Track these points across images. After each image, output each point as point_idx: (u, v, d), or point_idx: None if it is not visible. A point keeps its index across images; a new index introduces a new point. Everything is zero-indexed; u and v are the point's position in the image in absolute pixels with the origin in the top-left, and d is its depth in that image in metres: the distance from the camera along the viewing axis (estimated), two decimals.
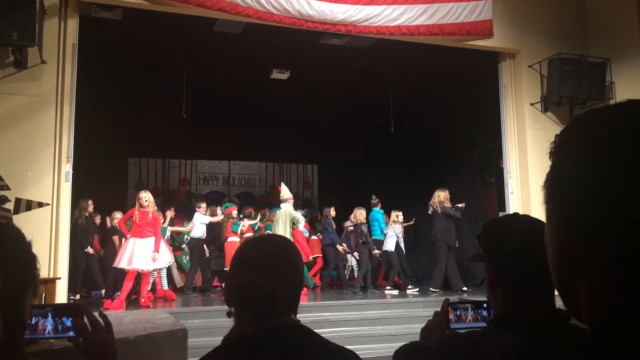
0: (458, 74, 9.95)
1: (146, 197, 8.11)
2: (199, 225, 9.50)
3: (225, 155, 14.47)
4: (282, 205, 8.99)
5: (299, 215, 9.03)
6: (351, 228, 10.29)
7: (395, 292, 9.48)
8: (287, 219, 8.74)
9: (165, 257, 8.28)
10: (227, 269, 9.10)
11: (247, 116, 12.45)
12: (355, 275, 10.31)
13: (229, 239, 9.63)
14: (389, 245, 9.87)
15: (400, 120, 11.70)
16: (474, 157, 11.18)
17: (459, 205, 9.45)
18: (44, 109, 6.67)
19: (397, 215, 10.18)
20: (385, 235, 10.01)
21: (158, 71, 10.45)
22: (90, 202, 9.05)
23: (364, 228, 9.75)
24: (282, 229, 8.63)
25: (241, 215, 10.68)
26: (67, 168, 6.79)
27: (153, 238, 7.94)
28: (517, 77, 8.96)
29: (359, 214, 9.78)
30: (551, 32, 8.86)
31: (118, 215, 9.41)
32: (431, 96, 11.28)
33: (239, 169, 14.94)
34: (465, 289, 9.11)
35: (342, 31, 7.98)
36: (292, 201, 9.12)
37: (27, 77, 6.57)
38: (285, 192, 9.16)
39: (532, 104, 8.79)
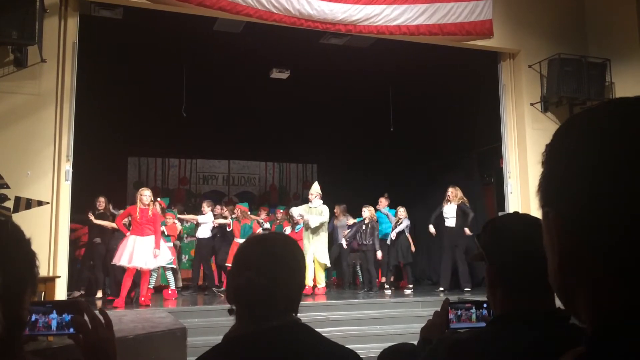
0: (458, 74, 9.94)
1: (148, 194, 8.11)
2: (204, 225, 9.49)
3: (224, 155, 14.47)
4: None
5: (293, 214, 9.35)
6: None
7: (389, 291, 9.43)
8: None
9: (166, 255, 8.29)
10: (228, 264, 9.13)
11: (246, 115, 12.44)
12: (359, 275, 10.29)
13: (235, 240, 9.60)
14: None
15: (400, 120, 11.70)
16: (474, 157, 11.18)
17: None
18: (43, 108, 6.66)
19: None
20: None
21: (158, 70, 10.44)
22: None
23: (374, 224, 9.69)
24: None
25: (262, 218, 10.54)
26: (67, 167, 6.79)
27: (153, 236, 7.93)
28: (517, 77, 8.96)
29: (369, 210, 9.66)
30: (551, 32, 8.86)
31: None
32: (431, 96, 11.27)
33: (239, 168, 14.95)
34: (467, 289, 9.09)
35: (342, 31, 7.98)
36: (313, 197, 9.24)
37: (27, 75, 6.56)
38: (312, 188, 9.56)
39: (531, 104, 8.79)
